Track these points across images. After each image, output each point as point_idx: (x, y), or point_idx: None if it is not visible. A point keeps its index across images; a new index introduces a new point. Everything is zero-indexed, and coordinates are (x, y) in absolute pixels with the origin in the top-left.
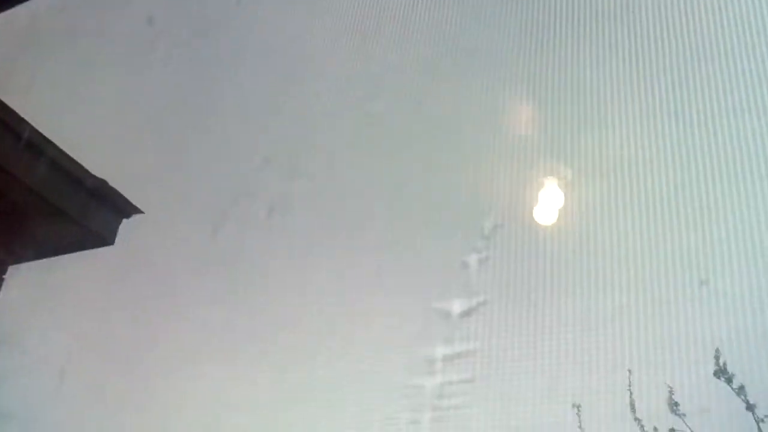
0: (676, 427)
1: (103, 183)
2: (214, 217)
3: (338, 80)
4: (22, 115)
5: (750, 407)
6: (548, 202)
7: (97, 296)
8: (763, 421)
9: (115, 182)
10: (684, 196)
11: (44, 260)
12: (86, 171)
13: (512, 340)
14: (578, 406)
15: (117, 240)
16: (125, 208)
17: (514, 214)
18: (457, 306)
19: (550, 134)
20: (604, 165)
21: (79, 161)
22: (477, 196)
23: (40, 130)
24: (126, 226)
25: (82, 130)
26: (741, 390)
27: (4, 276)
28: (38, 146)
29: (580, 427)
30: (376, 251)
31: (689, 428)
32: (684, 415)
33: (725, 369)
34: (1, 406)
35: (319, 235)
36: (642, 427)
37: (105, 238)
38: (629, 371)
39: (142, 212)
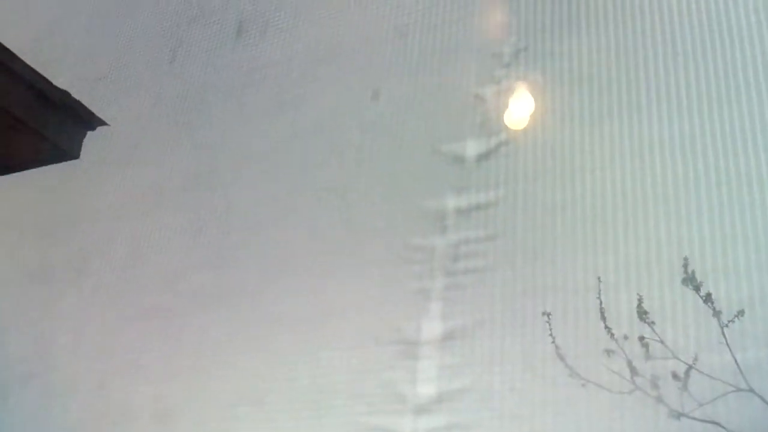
0: (645, 335)
1: (66, 95)
2: None
3: None
4: None
5: (716, 313)
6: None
7: None
8: (727, 326)
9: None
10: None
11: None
12: (49, 82)
13: None
14: (548, 314)
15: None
16: (90, 120)
17: None
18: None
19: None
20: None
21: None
22: None
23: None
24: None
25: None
26: (708, 297)
27: None
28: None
29: (551, 334)
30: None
31: (658, 336)
32: (653, 323)
33: (693, 277)
34: None
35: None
36: (612, 334)
37: (70, 152)
38: (599, 278)
39: (107, 124)
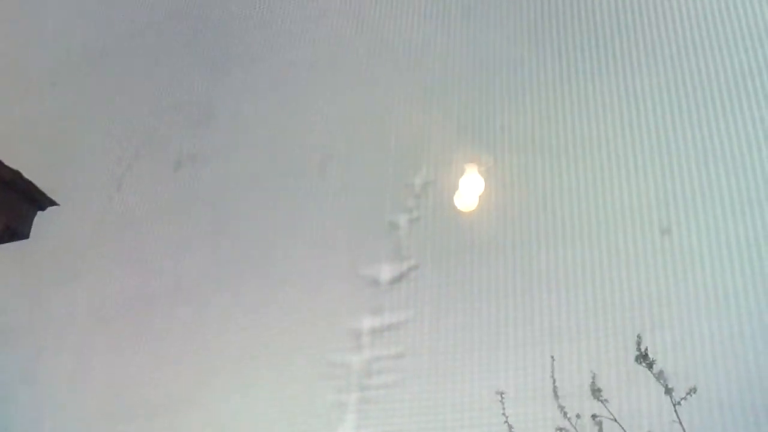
0: (598, 413)
1: (17, 174)
2: None
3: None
4: None
5: (668, 391)
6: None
7: None
8: (679, 404)
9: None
10: None
11: None
12: (1, 162)
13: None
14: (501, 393)
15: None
16: (41, 200)
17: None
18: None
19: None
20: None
21: None
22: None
23: None
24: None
25: None
26: (660, 375)
27: None
28: None
29: (503, 413)
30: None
31: (611, 413)
32: (606, 401)
33: (646, 355)
34: None
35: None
36: (565, 413)
37: (20, 232)
38: (552, 358)
39: (57, 204)
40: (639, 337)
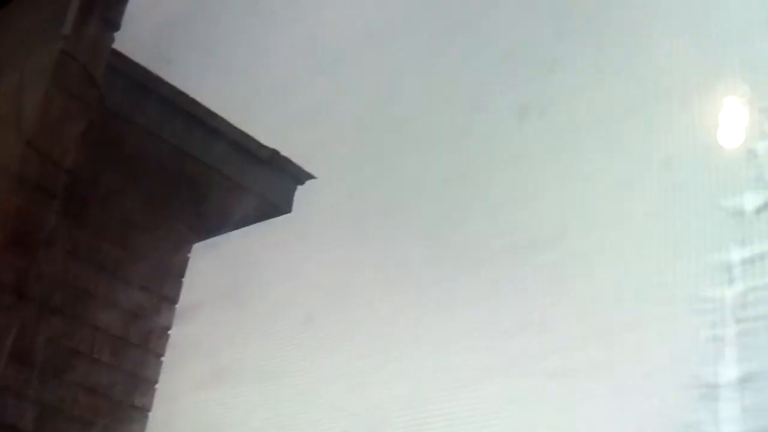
0: None
1: (275, 153)
2: None
3: None
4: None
5: None
6: None
7: None
8: None
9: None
10: None
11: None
12: (258, 143)
13: None
14: None
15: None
16: (298, 175)
17: None
18: None
19: None
20: None
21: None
22: None
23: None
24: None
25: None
26: None
27: (189, 255)
28: (210, 124)
29: None
30: None
31: None
32: None
33: None
34: None
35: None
36: None
37: (282, 207)
38: None
39: (314, 177)
40: None
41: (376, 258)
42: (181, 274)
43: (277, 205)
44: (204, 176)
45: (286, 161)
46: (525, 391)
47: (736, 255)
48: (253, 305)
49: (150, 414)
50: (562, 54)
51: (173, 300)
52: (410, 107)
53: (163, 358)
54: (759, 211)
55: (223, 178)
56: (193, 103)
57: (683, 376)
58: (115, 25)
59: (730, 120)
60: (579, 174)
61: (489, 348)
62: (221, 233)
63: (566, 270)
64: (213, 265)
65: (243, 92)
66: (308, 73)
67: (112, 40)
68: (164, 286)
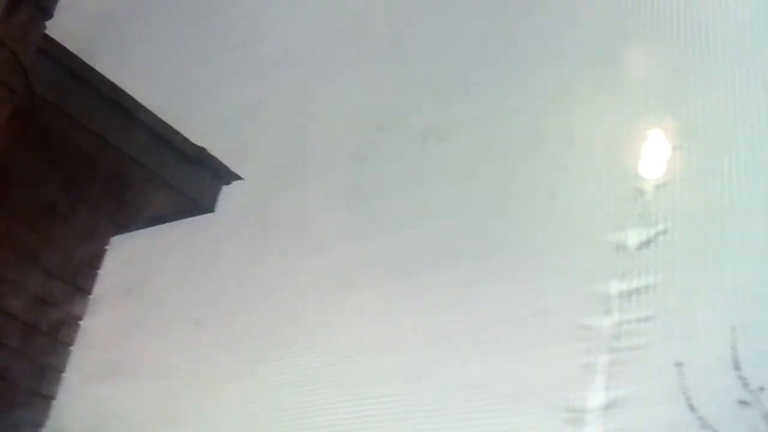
0: None
1: (202, 151)
2: None
3: None
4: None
5: None
6: None
7: None
8: None
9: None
10: None
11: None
12: (186, 139)
13: None
14: (681, 365)
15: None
16: (225, 175)
17: None
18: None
19: None
20: None
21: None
22: None
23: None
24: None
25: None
26: None
27: (106, 247)
28: (137, 116)
29: (681, 385)
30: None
31: None
32: None
33: None
34: None
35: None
36: (747, 384)
37: (206, 206)
38: (733, 328)
39: (241, 178)
40: None
41: (277, 266)
42: (97, 266)
43: (201, 204)
44: (128, 169)
45: (213, 160)
46: (392, 408)
47: (615, 288)
48: (156, 303)
49: (54, 402)
50: (467, 84)
51: (87, 290)
52: (322, 119)
53: (71, 348)
54: (640, 247)
55: (147, 172)
56: (123, 94)
57: (553, 399)
58: (47, 13)
59: (620, 158)
60: (472, 199)
61: (372, 362)
62: (142, 228)
63: (449, 292)
64: (128, 259)
65: (174, 90)
66: (238, 78)
67: (44, 27)
68: (78, 277)
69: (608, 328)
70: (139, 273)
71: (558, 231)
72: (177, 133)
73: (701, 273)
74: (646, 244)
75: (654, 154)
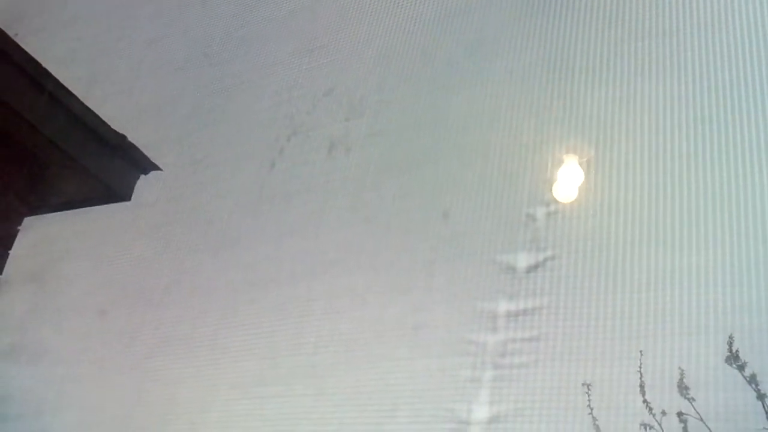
0: (684, 411)
1: (122, 138)
2: None
3: None
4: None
5: (761, 396)
6: None
7: None
8: None
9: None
10: None
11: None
12: (106, 125)
13: None
14: (588, 385)
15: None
16: (143, 165)
17: None
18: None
19: None
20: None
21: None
22: None
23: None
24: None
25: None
26: (752, 378)
27: (19, 227)
28: (58, 97)
29: (589, 406)
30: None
31: (698, 413)
32: (693, 399)
33: (737, 356)
34: None
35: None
36: (650, 409)
37: (122, 194)
38: (641, 352)
39: (160, 169)
40: (731, 337)
41: (180, 262)
42: (8, 246)
43: (117, 192)
44: (44, 150)
45: (133, 148)
46: (248, 411)
47: (503, 307)
48: (63, 289)
49: None
50: (377, 100)
51: None
52: (237, 121)
53: None
54: (530, 270)
55: (63, 155)
56: (44, 73)
57: (437, 410)
58: None
59: (515, 184)
60: (369, 213)
61: (247, 367)
62: (55, 211)
63: (335, 300)
64: (38, 243)
65: (97, 75)
66: (158, 71)
67: None
68: None
69: (494, 345)
70: (48, 257)
71: (449, 249)
72: (98, 117)
73: (585, 298)
74: (534, 267)
75: (548, 182)
